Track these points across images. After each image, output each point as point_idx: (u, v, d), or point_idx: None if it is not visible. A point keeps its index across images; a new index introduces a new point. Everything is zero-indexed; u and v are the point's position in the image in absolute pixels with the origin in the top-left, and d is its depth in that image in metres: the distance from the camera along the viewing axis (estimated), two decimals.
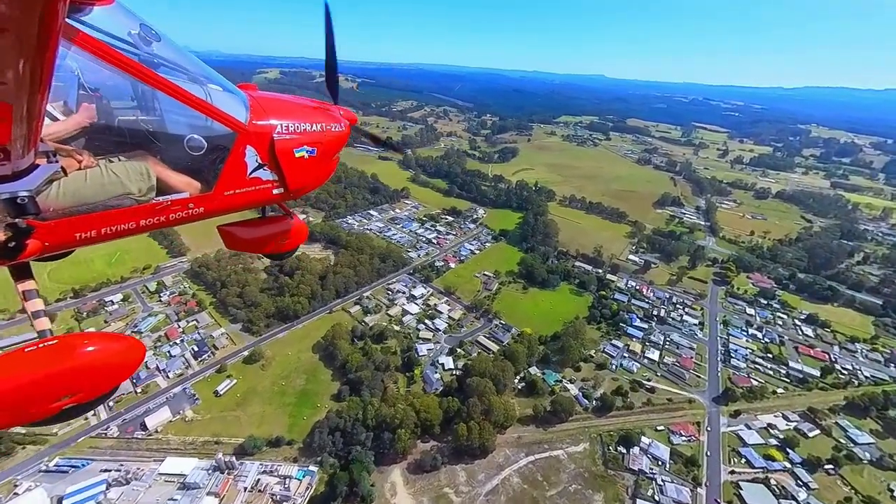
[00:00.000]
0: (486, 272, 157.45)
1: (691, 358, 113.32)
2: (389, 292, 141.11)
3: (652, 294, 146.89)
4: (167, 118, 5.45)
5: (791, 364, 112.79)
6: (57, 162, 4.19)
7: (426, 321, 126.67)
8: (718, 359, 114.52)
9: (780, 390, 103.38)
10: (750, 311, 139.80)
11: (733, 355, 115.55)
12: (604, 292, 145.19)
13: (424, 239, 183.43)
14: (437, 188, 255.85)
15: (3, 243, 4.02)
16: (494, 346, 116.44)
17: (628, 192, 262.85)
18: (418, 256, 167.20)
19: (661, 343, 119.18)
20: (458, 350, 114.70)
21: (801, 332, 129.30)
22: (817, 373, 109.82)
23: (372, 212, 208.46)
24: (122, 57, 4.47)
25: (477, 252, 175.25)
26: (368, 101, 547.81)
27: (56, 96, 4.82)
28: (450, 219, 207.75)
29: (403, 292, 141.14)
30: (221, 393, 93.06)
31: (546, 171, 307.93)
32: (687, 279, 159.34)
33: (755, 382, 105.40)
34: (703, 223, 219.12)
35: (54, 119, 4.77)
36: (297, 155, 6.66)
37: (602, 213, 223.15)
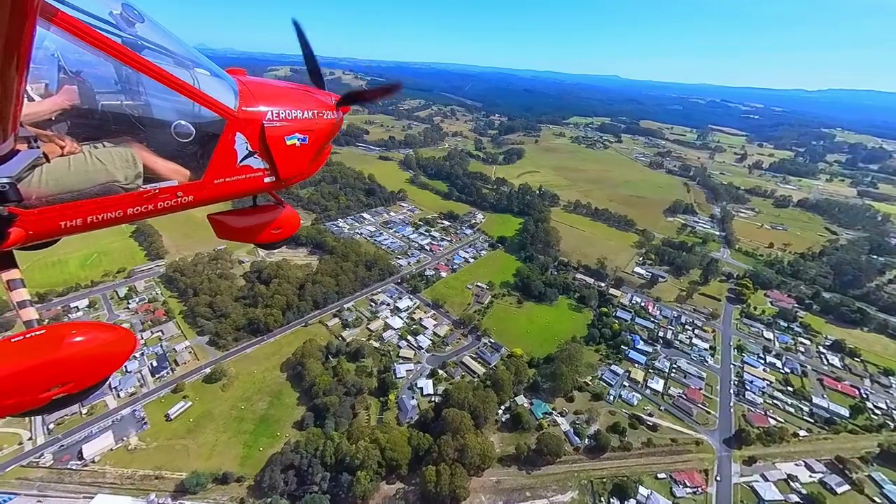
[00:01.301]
0: (479, 283, 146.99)
1: (700, 389, 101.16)
2: (373, 304, 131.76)
3: (658, 312, 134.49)
4: (153, 103, 5.27)
5: (815, 400, 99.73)
6: (38, 148, 4.08)
7: (409, 337, 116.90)
8: (731, 391, 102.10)
9: (802, 432, 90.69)
10: (768, 334, 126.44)
11: (748, 387, 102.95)
12: (605, 309, 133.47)
13: (417, 245, 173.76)
14: (436, 190, 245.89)
15: None
16: (481, 369, 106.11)
17: (637, 197, 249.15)
18: (408, 264, 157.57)
19: (667, 371, 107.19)
20: (440, 372, 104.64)
21: (826, 362, 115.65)
22: (846, 412, 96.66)
23: (365, 214, 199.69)
24: (104, 38, 4.23)
25: (471, 260, 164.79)
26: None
27: (35, 79, 4.70)
28: (446, 223, 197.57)
29: (388, 304, 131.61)
30: (173, 417, 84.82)
31: (552, 174, 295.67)
32: (698, 296, 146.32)
33: (773, 422, 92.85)
34: (717, 233, 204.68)
35: (32, 101, 4.57)
36: (288, 142, 6.45)
37: (609, 221, 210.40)
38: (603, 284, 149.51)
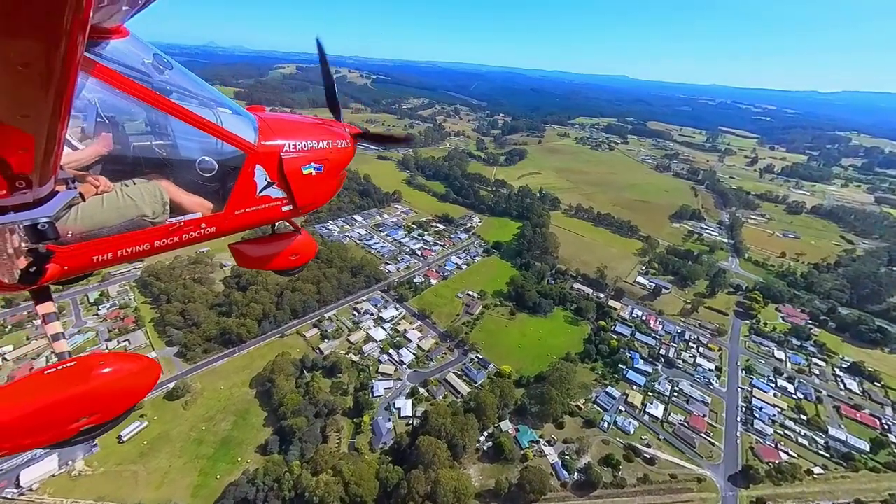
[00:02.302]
0: (470, 292, 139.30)
1: (704, 417, 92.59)
2: (356, 313, 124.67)
3: (660, 327, 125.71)
4: (179, 142, 5.56)
5: (831, 431, 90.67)
6: (75, 188, 4.28)
7: (391, 351, 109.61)
8: (738, 419, 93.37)
9: (817, 469, 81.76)
10: (779, 354, 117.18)
11: (757, 415, 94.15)
12: (604, 323, 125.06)
13: (408, 250, 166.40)
14: (433, 192, 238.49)
15: (25, 268, 4.14)
16: (465, 388, 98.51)
17: (642, 202, 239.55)
18: (397, 270, 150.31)
19: (668, 394, 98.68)
20: (421, 391, 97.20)
21: (843, 387, 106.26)
22: (866, 446, 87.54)
23: (356, 217, 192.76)
24: (137, 86, 4.65)
25: (464, 267, 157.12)
26: (380, 98, 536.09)
27: (75, 125, 5.01)
28: (440, 227, 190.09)
29: (371, 314, 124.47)
30: (126, 439, 78.37)
31: (554, 176, 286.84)
32: (704, 309, 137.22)
33: (785, 456, 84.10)
34: (725, 241, 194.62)
35: (73, 148, 4.88)
36: (304, 172, 6.74)
37: (611, 226, 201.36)
38: (602, 296, 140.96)
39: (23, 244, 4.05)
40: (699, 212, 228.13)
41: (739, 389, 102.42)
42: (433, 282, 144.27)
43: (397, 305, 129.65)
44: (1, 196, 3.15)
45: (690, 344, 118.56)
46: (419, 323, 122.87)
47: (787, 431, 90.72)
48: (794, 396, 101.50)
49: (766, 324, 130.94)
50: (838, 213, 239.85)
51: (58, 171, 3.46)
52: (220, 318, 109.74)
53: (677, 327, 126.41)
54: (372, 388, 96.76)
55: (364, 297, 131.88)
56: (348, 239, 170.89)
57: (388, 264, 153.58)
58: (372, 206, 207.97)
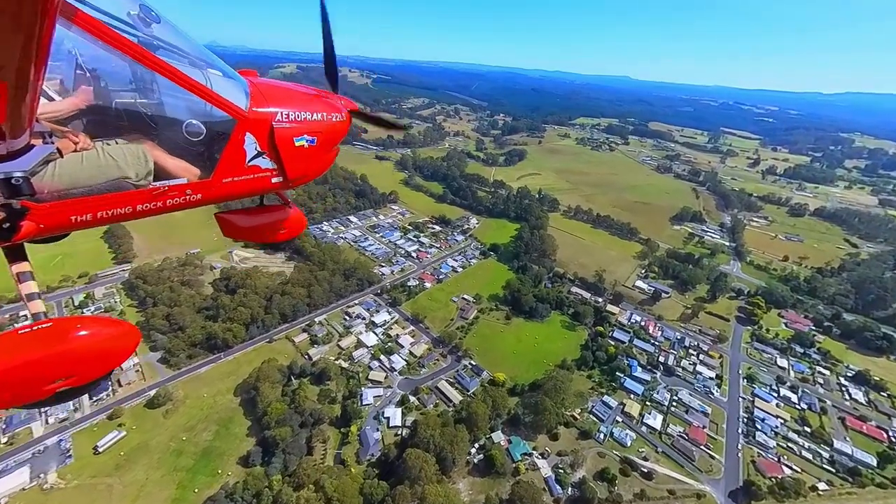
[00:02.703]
0: (465, 296, 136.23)
1: (704, 428, 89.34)
2: (347, 317, 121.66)
3: (660, 333, 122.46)
4: (166, 102, 5.34)
5: (836, 444, 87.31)
6: (53, 143, 4.17)
7: (381, 357, 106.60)
8: (739, 431, 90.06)
9: (822, 485, 78.43)
10: (782, 361, 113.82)
11: (759, 426, 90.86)
12: (601, 328, 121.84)
13: (403, 252, 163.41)
14: (430, 193, 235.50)
15: None
16: (457, 396, 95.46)
17: (643, 203, 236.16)
18: (391, 273, 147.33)
19: (666, 404, 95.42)
20: (412, 399, 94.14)
21: (848, 396, 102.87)
22: (873, 460, 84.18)
23: (352, 218, 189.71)
24: (121, 38, 4.36)
25: (460, 270, 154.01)
26: (380, 97, 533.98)
27: (53, 76, 4.79)
28: (437, 229, 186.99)
29: (363, 318, 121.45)
30: (102, 449, 75.47)
31: (554, 177, 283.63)
32: (704, 315, 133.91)
33: (788, 471, 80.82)
34: (727, 244, 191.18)
35: (50, 99, 4.71)
36: (296, 144, 6.51)
37: (610, 228, 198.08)
38: (600, 300, 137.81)
39: None
40: (700, 214, 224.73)
41: (741, 399, 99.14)
42: (428, 285, 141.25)
43: (390, 309, 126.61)
44: None
45: (690, 351, 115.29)
46: (412, 328, 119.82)
47: (790, 444, 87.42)
48: (797, 407, 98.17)
49: (768, 330, 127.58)
50: (842, 215, 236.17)
51: (33, 123, 3.31)
52: (206, 323, 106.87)
53: (677, 333, 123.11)
54: (361, 396, 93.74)
55: (356, 301, 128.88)
56: (342, 240, 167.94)
57: (383, 266, 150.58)
58: (368, 206, 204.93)
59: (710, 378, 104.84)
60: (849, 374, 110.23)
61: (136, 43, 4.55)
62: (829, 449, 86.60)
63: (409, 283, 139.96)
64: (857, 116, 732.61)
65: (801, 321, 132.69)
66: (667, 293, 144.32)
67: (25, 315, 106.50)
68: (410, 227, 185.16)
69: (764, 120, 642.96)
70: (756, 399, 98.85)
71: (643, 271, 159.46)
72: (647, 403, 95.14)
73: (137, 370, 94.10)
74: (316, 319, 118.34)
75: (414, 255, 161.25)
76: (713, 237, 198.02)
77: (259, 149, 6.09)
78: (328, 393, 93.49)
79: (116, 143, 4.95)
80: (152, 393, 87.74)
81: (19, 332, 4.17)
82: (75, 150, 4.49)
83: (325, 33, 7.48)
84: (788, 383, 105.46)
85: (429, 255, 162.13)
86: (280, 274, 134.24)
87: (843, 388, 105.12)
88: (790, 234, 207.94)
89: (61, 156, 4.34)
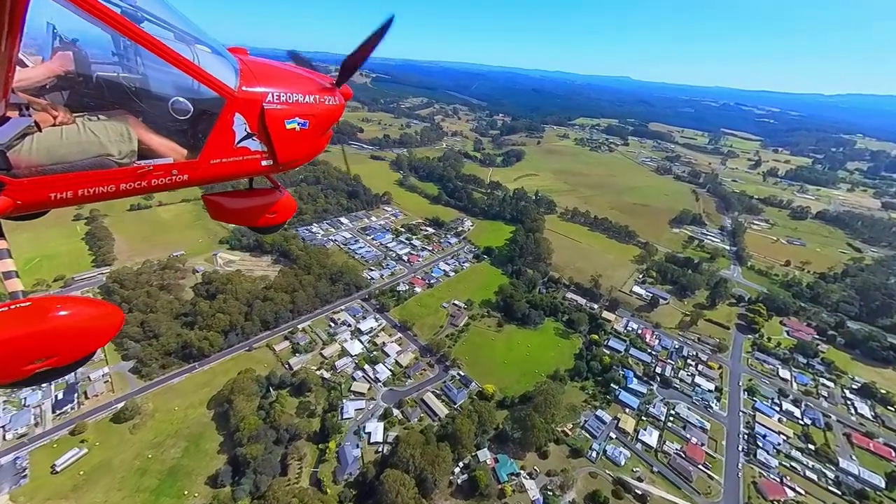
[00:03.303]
0: (456, 301, 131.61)
1: (702, 445, 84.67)
2: (332, 324, 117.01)
3: (657, 342, 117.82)
4: (150, 77, 5.10)
5: (842, 463, 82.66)
6: (30, 116, 4.07)
7: (366, 367, 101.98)
8: (740, 448, 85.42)
9: None
10: (784, 373, 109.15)
11: (760, 443, 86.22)
12: (596, 336, 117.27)
13: (394, 255, 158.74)
14: (425, 194, 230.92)
15: None
16: (444, 410, 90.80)
17: (642, 206, 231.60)
18: (380, 277, 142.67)
19: (663, 418, 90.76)
20: (395, 413, 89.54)
21: (853, 411, 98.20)
22: (881, 481, 79.54)
23: (343, 219, 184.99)
24: (102, 7, 4.08)
25: (452, 274, 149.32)
26: (378, 96, 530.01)
27: (29, 45, 4.66)
28: (430, 231, 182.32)
29: (349, 325, 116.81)
30: (60, 469, 70.78)
31: (552, 178, 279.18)
32: (703, 322, 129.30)
33: (791, 493, 76.13)
34: (727, 248, 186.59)
35: (24, 67, 4.56)
36: (287, 126, 6.30)
37: (608, 231, 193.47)
38: (596, 306, 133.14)
39: None
40: (700, 216, 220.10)
41: (741, 413, 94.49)
42: (418, 290, 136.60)
43: (377, 316, 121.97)
44: None
45: (689, 361, 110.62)
46: (399, 335, 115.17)
47: (793, 463, 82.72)
48: (800, 422, 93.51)
49: (769, 339, 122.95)
50: (845, 218, 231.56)
51: (8, 94, 3.21)
52: (181, 330, 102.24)
53: (675, 342, 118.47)
54: (342, 409, 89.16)
55: (342, 307, 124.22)
56: (332, 243, 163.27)
57: (372, 270, 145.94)
58: (360, 207, 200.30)
59: (709, 391, 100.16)
60: (854, 387, 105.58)
61: (119, 13, 4.18)
62: (834, 469, 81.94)
63: (399, 288, 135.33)
64: (859, 118, 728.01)
65: (804, 329, 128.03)
66: (665, 299, 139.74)
67: None
68: (403, 230, 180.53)
69: (765, 121, 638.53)
70: (757, 413, 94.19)
71: (641, 276, 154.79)
72: (643, 418, 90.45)
73: (107, 381, 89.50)
74: (299, 326, 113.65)
75: (405, 258, 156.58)
76: (713, 241, 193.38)
77: (248, 130, 5.88)
78: (307, 406, 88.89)
79: (98, 118, 4.74)
80: (119, 406, 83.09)
81: None
82: (54, 125, 4.33)
83: (372, 41, 6.58)
84: (791, 396, 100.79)
85: (420, 259, 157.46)
86: (264, 278, 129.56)
87: (849, 402, 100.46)
88: (792, 237, 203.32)
89: (39, 129, 4.20)
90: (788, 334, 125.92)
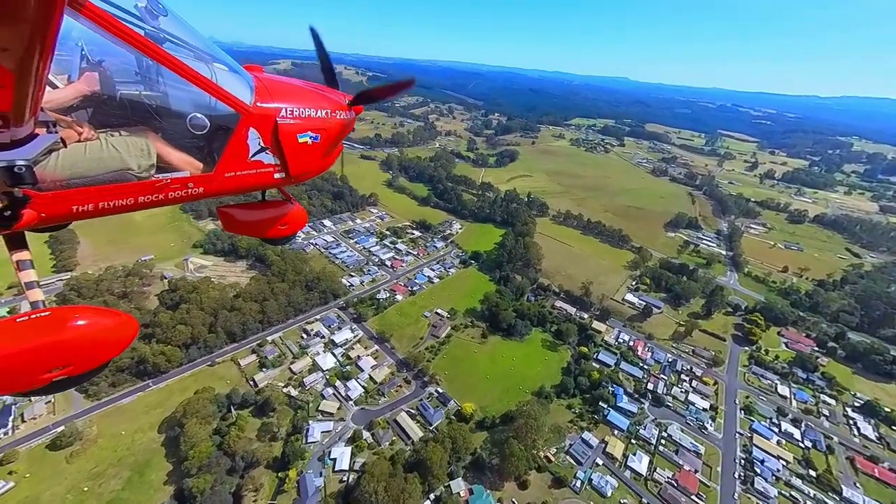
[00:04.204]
0: (439, 310, 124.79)
1: (696, 472, 78.31)
2: (305, 335, 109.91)
3: (649, 355, 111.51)
4: (170, 95, 5.32)
5: (846, 492, 76.53)
6: (56, 132, 4.19)
7: (337, 383, 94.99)
8: (736, 475, 79.13)
9: None
10: (783, 389, 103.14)
11: (758, 469, 79.96)
12: (585, 349, 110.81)
13: (377, 260, 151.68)
14: (413, 195, 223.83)
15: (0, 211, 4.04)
16: (418, 432, 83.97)
17: (636, 209, 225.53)
18: (361, 284, 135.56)
19: (654, 442, 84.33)
20: (365, 435, 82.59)
21: (856, 432, 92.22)
22: None
23: (326, 221, 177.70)
24: (128, 30, 4.34)
25: (436, 281, 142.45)
26: None
27: (58, 66, 4.84)
28: (416, 234, 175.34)
29: (322, 336, 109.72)
30: None
31: (545, 180, 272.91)
32: (699, 333, 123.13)
33: None
34: (724, 253, 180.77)
35: (55, 88, 4.74)
36: (300, 140, 6.52)
37: (601, 235, 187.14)
38: (586, 316, 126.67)
39: None
40: (696, 220, 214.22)
41: (738, 435, 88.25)
42: (399, 297, 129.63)
43: (354, 326, 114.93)
44: None
45: (682, 376, 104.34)
46: (376, 348, 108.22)
47: (793, 492, 76.47)
48: (800, 444, 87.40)
49: (767, 351, 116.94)
50: (843, 222, 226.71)
51: (38, 112, 3.32)
52: (136, 344, 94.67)
53: (668, 355, 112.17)
54: (307, 431, 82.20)
55: (317, 317, 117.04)
56: (312, 247, 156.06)
57: (352, 276, 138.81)
58: (345, 209, 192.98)
59: (704, 409, 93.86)
60: (856, 405, 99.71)
61: (143, 35, 4.43)
62: (837, 499, 75.80)
63: (379, 296, 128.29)
64: (854, 120, 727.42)
65: (803, 341, 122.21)
66: (658, 308, 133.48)
67: None
68: (388, 233, 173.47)
69: (762, 122, 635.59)
70: (755, 435, 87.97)
71: (634, 283, 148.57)
72: (633, 441, 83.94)
73: (48, 401, 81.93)
74: (269, 338, 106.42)
75: (388, 263, 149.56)
76: (709, 245, 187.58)
77: (262, 144, 6.05)
78: (270, 428, 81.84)
79: (120, 134, 4.90)
80: (58, 430, 75.63)
81: (17, 319, 4.11)
82: (79, 140, 4.49)
83: (320, 56, 7.38)
84: (790, 416, 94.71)
85: (404, 264, 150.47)
86: (235, 285, 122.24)
87: (851, 422, 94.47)
88: (790, 242, 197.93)
89: (65, 145, 4.33)
90: (787, 346, 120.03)
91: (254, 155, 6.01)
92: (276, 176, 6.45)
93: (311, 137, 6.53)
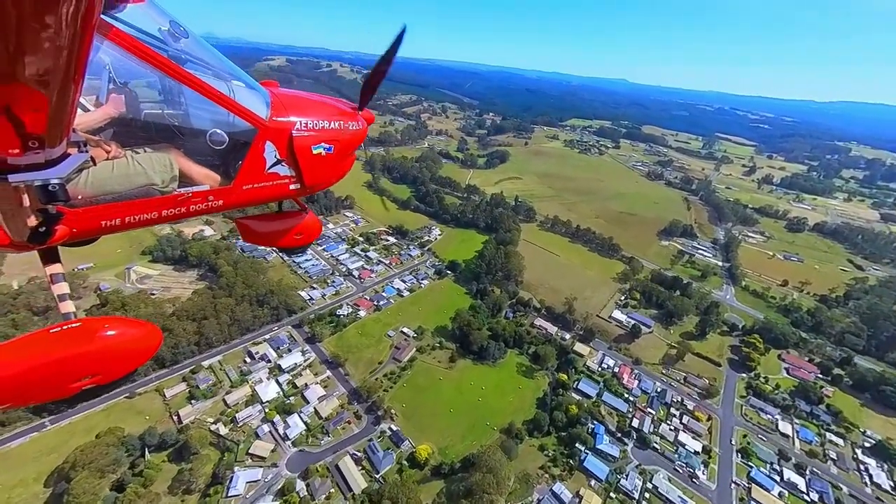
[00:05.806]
0: (405, 329, 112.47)
1: None
2: (249, 359, 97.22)
3: (636, 384, 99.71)
4: (192, 112, 5.54)
5: None
6: (87, 152, 4.35)
7: (277, 418, 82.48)
8: None
9: None
10: (784, 426, 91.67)
11: None
12: (564, 376, 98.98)
13: (344, 270, 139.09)
14: (393, 198, 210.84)
15: (35, 228, 4.22)
16: (361, 483, 71.58)
17: (629, 214, 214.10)
18: (322, 297, 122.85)
19: (637, 495, 72.38)
20: (299, 486, 70.17)
21: (868, 480, 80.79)
22: None
23: None
24: (152, 52, 4.57)
25: (406, 294, 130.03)
26: None
27: (88, 89, 4.98)
28: (391, 241, 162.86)
29: (269, 360, 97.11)
30: None
31: (535, 182, 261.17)
32: (691, 356, 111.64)
33: None
34: (720, 264, 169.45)
35: (86, 110, 4.94)
36: (314, 152, 6.68)
37: (590, 243, 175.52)
38: (568, 336, 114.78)
39: (34, 204, 4.06)
40: (691, 228, 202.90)
41: (734, 486, 76.48)
42: (362, 313, 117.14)
43: (306, 348, 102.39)
44: (14, 155, 3.20)
45: (672, 410, 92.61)
46: (328, 374, 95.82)
47: None
48: (805, 497, 75.78)
49: (766, 379, 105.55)
50: (844, 231, 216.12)
51: (70, 133, 3.53)
52: None
53: (657, 384, 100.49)
54: (230, 481, 69.77)
55: (266, 337, 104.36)
56: (274, 255, 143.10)
57: (314, 289, 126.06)
58: (317, 213, 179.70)
59: (696, 452, 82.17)
60: (867, 445, 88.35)
61: (166, 57, 4.67)
62: None
63: (341, 311, 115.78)
64: (851, 126, 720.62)
65: (806, 366, 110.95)
66: (648, 327, 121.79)
67: None
68: (360, 239, 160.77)
69: (759, 126, 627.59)
70: (753, 486, 76.27)
71: (623, 298, 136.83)
72: (612, 496, 71.97)
73: None
74: (206, 363, 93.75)
75: (356, 274, 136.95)
76: (705, 255, 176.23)
77: (278, 156, 6.22)
78: (185, 477, 69.23)
79: (145, 151, 5.09)
80: None
81: (50, 331, 4.31)
82: (107, 159, 4.67)
83: (386, 59, 7.07)
84: (794, 460, 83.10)
85: (373, 275, 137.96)
86: (175, 299, 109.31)
87: (862, 467, 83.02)
88: (789, 252, 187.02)
89: (94, 163, 4.52)
90: (788, 373, 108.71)
91: (270, 167, 6.16)
92: (292, 187, 6.59)
93: (324, 148, 6.67)
